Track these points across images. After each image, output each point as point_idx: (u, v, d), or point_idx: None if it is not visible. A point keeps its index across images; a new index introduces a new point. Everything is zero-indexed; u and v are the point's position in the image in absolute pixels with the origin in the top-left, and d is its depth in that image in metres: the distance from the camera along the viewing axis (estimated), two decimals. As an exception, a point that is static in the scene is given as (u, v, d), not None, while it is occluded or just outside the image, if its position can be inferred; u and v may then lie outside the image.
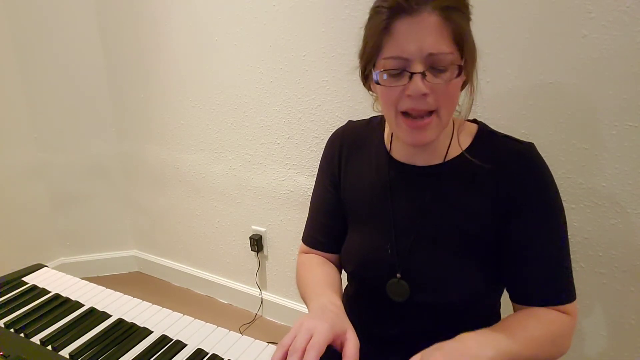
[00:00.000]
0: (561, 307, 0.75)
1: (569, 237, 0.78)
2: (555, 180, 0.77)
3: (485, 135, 0.81)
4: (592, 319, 1.29)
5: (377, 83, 0.72)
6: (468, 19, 0.71)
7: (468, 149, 0.78)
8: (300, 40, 1.57)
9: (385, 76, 0.71)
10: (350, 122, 0.97)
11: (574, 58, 1.13)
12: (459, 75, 0.69)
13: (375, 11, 0.72)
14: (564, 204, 0.78)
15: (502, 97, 1.25)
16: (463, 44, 0.69)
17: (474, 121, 0.84)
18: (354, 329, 0.69)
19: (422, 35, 0.67)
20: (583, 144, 1.18)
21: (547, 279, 0.75)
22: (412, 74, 0.68)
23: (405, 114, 0.72)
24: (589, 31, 1.09)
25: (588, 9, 1.08)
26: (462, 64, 0.69)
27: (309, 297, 0.81)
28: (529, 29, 1.16)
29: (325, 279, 0.86)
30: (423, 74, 0.68)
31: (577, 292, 0.77)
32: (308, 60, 1.58)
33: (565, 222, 0.77)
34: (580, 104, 1.15)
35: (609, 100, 1.11)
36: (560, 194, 0.77)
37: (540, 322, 0.73)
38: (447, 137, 0.80)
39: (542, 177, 0.76)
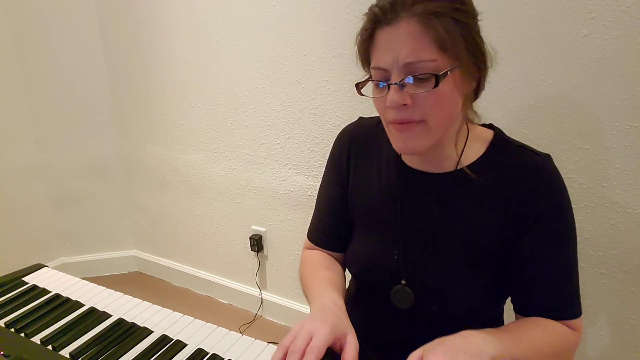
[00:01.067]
0: (567, 322, 0.74)
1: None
2: None
3: (500, 143, 0.77)
4: (592, 319, 1.28)
5: (362, 94, 0.72)
6: (462, 23, 0.65)
7: (481, 158, 0.76)
8: (300, 40, 1.57)
9: (379, 85, 0.70)
10: (361, 119, 0.93)
11: (574, 58, 1.13)
12: (437, 84, 0.64)
13: (363, 22, 0.71)
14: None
15: (503, 97, 1.24)
16: (449, 50, 0.64)
17: (491, 127, 0.81)
18: (354, 332, 0.68)
19: (398, 44, 0.65)
20: (583, 144, 1.18)
21: (554, 295, 0.74)
22: (390, 84, 0.67)
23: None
24: (589, 31, 1.09)
25: (589, 9, 1.08)
26: (444, 72, 0.64)
27: (311, 296, 0.81)
28: (530, 29, 1.16)
29: (329, 277, 0.85)
30: (401, 85, 0.66)
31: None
32: (308, 60, 1.58)
33: (575, 239, 0.75)
34: (581, 104, 1.15)
35: (609, 100, 1.11)
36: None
37: (546, 331, 0.72)
38: (461, 144, 0.77)
39: (557, 194, 0.73)
